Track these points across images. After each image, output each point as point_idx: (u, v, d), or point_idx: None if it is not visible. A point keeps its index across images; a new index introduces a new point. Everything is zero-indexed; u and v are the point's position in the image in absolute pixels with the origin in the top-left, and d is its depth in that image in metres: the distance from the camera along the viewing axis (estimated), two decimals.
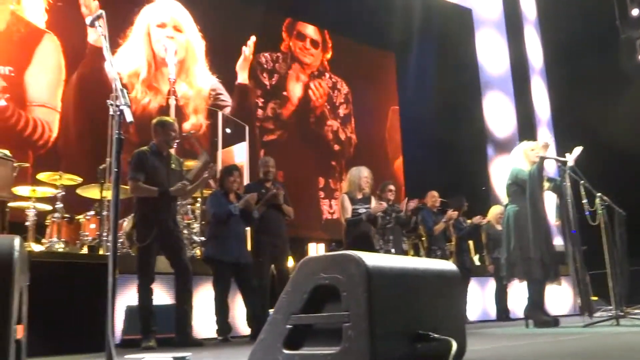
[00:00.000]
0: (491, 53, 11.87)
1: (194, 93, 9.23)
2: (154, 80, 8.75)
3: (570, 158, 5.14)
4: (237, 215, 5.14)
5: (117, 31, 8.46)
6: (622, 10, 11.80)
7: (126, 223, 5.89)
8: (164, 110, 8.48)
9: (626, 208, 5.56)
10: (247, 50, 10.00)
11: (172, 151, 4.98)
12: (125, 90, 2.31)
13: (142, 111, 8.47)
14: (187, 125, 8.79)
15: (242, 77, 9.98)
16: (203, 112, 9.21)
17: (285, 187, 5.72)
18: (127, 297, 4.93)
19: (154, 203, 4.57)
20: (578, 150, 5.19)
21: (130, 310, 4.79)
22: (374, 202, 5.74)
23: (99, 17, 2.49)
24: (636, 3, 11.66)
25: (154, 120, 4.94)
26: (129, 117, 2.28)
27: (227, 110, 9.27)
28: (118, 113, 2.30)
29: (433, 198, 7.33)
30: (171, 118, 5.11)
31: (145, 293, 4.48)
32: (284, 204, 5.56)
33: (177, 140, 4.88)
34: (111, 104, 2.32)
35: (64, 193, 6.25)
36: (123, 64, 8.45)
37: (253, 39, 10.06)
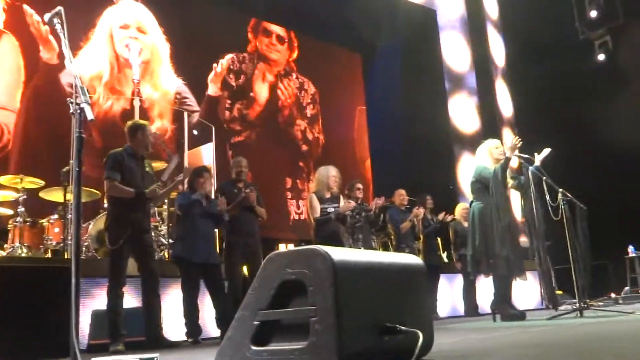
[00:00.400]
0: (456, 53, 12.03)
1: (159, 96, 9.10)
2: (117, 84, 8.60)
3: (538, 158, 5.23)
4: (202, 204, 5.11)
5: (79, 33, 8.29)
6: (581, 12, 12.12)
7: (91, 226, 5.79)
8: (127, 112, 8.35)
9: (588, 204, 5.68)
10: (220, 66, 9.95)
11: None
12: (85, 88, 2.27)
13: (104, 115, 8.32)
14: (152, 128, 8.67)
15: (213, 89, 9.94)
16: (168, 116, 9.10)
17: (257, 188, 5.69)
18: (93, 302, 4.84)
19: (128, 204, 4.53)
20: (546, 151, 5.29)
21: (96, 315, 4.70)
22: (342, 202, 5.75)
23: (57, 14, 2.43)
24: (594, 5, 11.98)
25: (129, 123, 4.91)
26: (89, 115, 2.23)
27: (196, 117, 9.15)
28: (78, 111, 2.26)
29: (401, 197, 7.40)
30: (145, 122, 5.06)
31: (115, 296, 4.41)
32: (257, 206, 5.54)
33: (150, 144, 4.83)
34: (71, 102, 2.27)
35: (25, 197, 6.09)
36: (85, 67, 8.26)
37: (229, 56, 10.08)
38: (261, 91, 10.79)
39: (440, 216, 7.61)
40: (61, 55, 7.60)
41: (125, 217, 4.52)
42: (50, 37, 7.79)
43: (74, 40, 7.95)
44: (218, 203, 5.24)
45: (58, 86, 7.79)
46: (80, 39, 8.36)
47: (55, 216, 5.98)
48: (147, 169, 4.80)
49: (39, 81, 7.76)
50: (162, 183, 4.71)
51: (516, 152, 5.28)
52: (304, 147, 11.23)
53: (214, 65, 9.93)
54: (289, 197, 10.70)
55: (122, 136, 4.85)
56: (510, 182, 5.51)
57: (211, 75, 9.89)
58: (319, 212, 5.61)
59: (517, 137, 5.29)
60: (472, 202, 5.47)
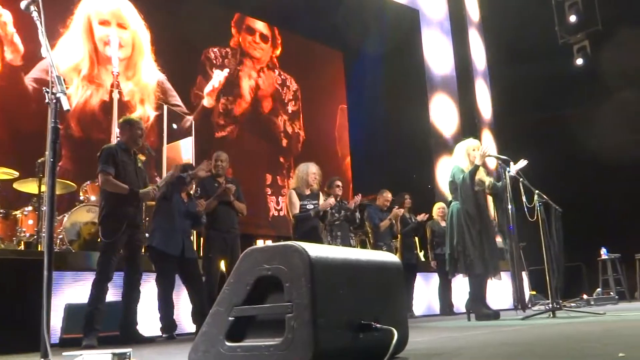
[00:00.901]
0: (437, 54, 12.10)
1: (140, 88, 9.01)
2: (97, 77, 8.48)
3: (514, 168, 5.27)
4: (184, 182, 5.11)
5: (57, 20, 8.15)
6: (561, 17, 12.27)
7: (66, 219, 5.70)
8: (107, 104, 8.25)
9: (563, 207, 5.76)
10: (217, 82, 9.93)
11: None
12: (61, 78, 2.22)
13: (83, 105, 8.20)
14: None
15: (209, 102, 9.92)
16: (152, 104, 9.01)
17: (238, 184, 5.65)
18: (67, 295, 4.77)
19: (122, 199, 4.53)
20: (523, 163, 5.32)
21: (70, 308, 4.64)
22: (322, 199, 5.75)
23: (33, 1, 2.38)
24: (574, 10, 12.14)
25: (121, 120, 4.94)
26: (65, 105, 2.19)
27: (188, 122, 9.04)
28: (54, 101, 2.21)
29: (386, 200, 7.42)
30: (138, 117, 5.06)
31: (100, 291, 4.38)
32: (236, 201, 5.50)
33: (141, 139, 4.80)
34: (47, 92, 2.23)
35: None
36: (63, 57, 8.13)
37: (226, 71, 10.12)
38: (245, 86, 10.74)
39: (420, 217, 7.66)
40: (25, 57, 7.50)
41: (120, 212, 4.52)
42: (16, 39, 7.61)
43: (53, 27, 7.86)
44: (197, 204, 5.21)
45: (22, 86, 7.62)
46: (59, 26, 8.22)
47: (30, 208, 5.88)
48: (140, 165, 4.81)
49: (1, 82, 7.58)
50: (157, 187, 4.70)
51: (494, 153, 5.31)
52: (285, 142, 11.21)
53: (212, 81, 9.92)
54: (269, 193, 10.67)
55: (101, 128, 4.83)
56: (488, 181, 5.54)
57: (207, 89, 9.89)
58: (298, 209, 5.61)
59: (486, 146, 5.30)
60: (450, 201, 5.50)
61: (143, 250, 5.62)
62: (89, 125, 8.02)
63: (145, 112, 8.93)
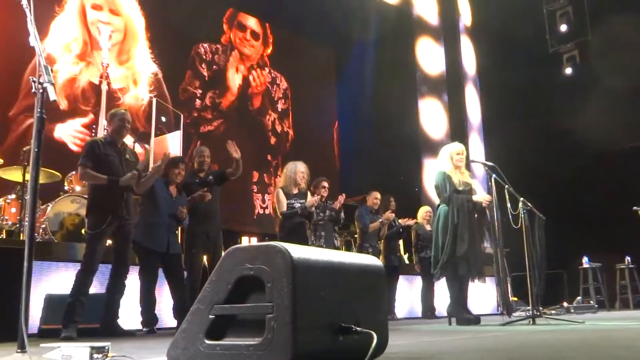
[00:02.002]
0: (429, 58, 12.15)
1: (134, 74, 8.95)
2: (89, 55, 8.45)
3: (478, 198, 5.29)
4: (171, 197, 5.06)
5: (54, 0, 8.13)
6: (552, 26, 12.38)
7: (50, 209, 5.66)
8: (95, 87, 8.23)
9: (547, 214, 5.80)
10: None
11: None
12: (49, 68, 2.20)
13: (73, 79, 8.17)
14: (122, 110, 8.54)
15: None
16: (146, 87, 8.95)
17: (220, 173, 5.58)
18: (47, 285, 4.74)
19: (108, 191, 4.51)
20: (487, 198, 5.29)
21: (51, 299, 4.60)
22: (309, 198, 5.74)
23: None
24: (565, 19, 12.25)
25: (110, 112, 4.90)
26: (52, 96, 2.17)
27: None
28: (41, 91, 2.19)
29: (375, 199, 7.44)
30: (123, 108, 5.02)
31: (83, 282, 4.35)
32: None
33: (127, 131, 4.76)
34: (34, 81, 2.21)
35: None
36: (58, 36, 8.14)
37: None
38: (234, 81, 10.71)
39: (403, 221, 7.66)
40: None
41: (105, 204, 4.51)
42: None
43: (50, 6, 7.85)
44: (181, 210, 5.16)
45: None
46: (56, 5, 8.21)
47: (13, 196, 5.83)
48: (128, 157, 4.76)
49: None
50: (137, 172, 4.62)
51: (480, 159, 5.35)
52: (273, 140, 11.19)
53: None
54: (255, 190, 10.66)
55: (88, 104, 4.79)
56: (473, 184, 5.55)
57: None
58: (285, 207, 5.60)
59: (490, 197, 5.28)
60: (438, 204, 5.51)
61: None
62: (76, 99, 8.05)
63: (138, 94, 8.88)
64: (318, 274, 1.94)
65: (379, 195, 7.46)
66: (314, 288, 1.90)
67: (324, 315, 1.92)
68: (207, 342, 1.93)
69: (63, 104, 7.93)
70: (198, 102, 10.02)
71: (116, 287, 4.59)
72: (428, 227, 7.82)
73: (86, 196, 5.13)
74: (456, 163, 5.38)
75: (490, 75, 12.35)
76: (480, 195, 5.40)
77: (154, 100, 7.90)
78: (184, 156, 5.47)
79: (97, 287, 4.79)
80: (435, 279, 5.70)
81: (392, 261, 7.45)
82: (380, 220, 7.18)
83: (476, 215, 5.33)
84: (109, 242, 4.78)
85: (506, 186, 5.25)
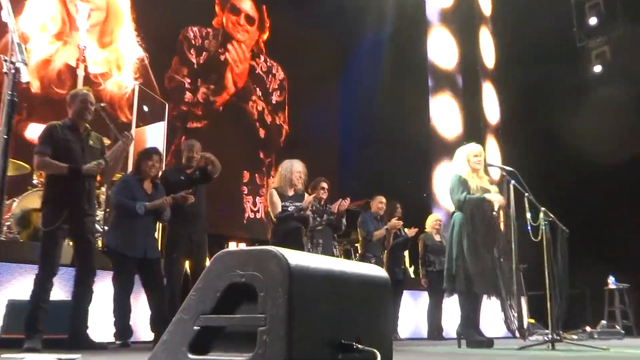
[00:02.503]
0: (443, 50, 12.17)
1: (118, 58, 8.94)
2: (67, 35, 8.43)
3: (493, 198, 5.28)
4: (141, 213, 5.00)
5: None
6: (580, 18, 12.39)
7: (15, 205, 5.64)
8: (71, 69, 8.22)
9: (570, 227, 5.80)
10: None
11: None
12: (22, 46, 2.20)
13: (48, 60, 8.16)
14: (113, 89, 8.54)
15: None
16: (131, 73, 8.94)
17: (205, 170, 5.56)
18: (11, 290, 4.72)
19: (67, 182, 4.42)
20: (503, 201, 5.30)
21: (13, 305, 4.57)
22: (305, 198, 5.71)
23: None
24: (594, 11, 12.25)
25: (70, 92, 4.81)
26: (25, 77, 2.17)
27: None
28: (12, 71, 2.19)
29: (380, 204, 7.40)
30: (85, 88, 4.92)
31: (42, 287, 4.28)
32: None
33: (90, 114, 4.68)
34: (5, 60, 2.20)
35: None
36: (34, 15, 8.15)
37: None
38: (224, 71, 10.70)
39: (410, 232, 7.64)
40: None
41: (62, 196, 4.42)
42: None
43: None
44: (162, 204, 5.11)
45: None
46: None
47: None
48: (92, 142, 4.66)
49: None
50: (104, 162, 4.56)
51: (498, 163, 5.35)
52: (264, 135, 11.16)
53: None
54: (245, 192, 10.65)
55: (63, 87, 4.76)
56: (492, 190, 5.54)
57: None
58: (279, 209, 5.57)
59: (504, 199, 5.28)
60: (453, 212, 5.50)
61: (100, 246, 5.58)
62: (51, 82, 8.05)
63: (122, 80, 8.85)
64: (317, 284, 1.94)
65: (384, 200, 7.44)
66: (312, 299, 1.90)
67: (322, 330, 1.92)
68: (191, 356, 1.93)
69: (35, 86, 7.92)
70: (188, 94, 9.99)
71: (82, 294, 4.50)
72: (437, 238, 7.81)
73: None
74: (473, 166, 5.37)
75: (511, 70, 12.35)
76: (495, 196, 5.35)
77: (136, 86, 7.88)
78: (167, 151, 5.42)
79: (65, 293, 4.77)
80: (446, 295, 5.68)
81: (396, 274, 7.42)
82: (386, 227, 7.15)
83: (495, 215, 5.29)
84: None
85: (526, 194, 5.24)
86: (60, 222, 4.35)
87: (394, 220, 7.22)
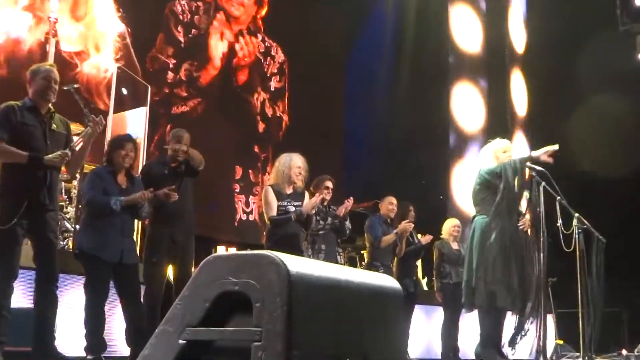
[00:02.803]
0: (465, 31, 12.15)
1: (94, 35, 8.91)
2: (39, 9, 8.38)
3: (540, 152, 5.21)
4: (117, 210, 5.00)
5: None
6: None
7: None
8: (42, 47, 8.20)
9: (606, 236, 5.80)
10: None
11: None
12: None
13: (15, 41, 8.09)
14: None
15: None
16: (112, 53, 8.92)
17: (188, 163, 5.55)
18: None
19: (24, 171, 4.39)
20: (553, 148, 5.23)
21: None
22: (307, 200, 5.71)
23: None
24: None
25: (30, 68, 4.74)
26: None
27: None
28: None
29: (390, 205, 7.38)
30: (49, 63, 4.89)
31: (2, 293, 4.28)
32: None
33: (54, 93, 4.65)
34: None
35: None
36: None
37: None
38: (217, 51, 10.69)
39: (424, 239, 7.61)
40: None
41: (20, 188, 4.40)
42: None
43: None
44: (137, 198, 5.09)
45: None
46: None
47: None
48: (56, 127, 4.62)
49: None
50: (70, 151, 4.54)
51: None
52: (262, 127, 11.17)
53: None
54: (237, 190, 10.65)
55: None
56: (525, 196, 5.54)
57: None
58: (275, 210, 5.57)
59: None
60: (474, 216, 5.50)
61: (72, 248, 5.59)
62: (20, 63, 7.97)
63: (100, 62, 8.81)
64: (320, 294, 1.95)
65: (394, 201, 7.43)
66: (314, 311, 1.91)
67: (325, 346, 1.93)
68: None
69: (1, 70, 7.89)
70: (171, 74, 9.98)
71: (44, 300, 4.47)
72: (455, 246, 7.81)
73: None
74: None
75: (543, 56, 12.35)
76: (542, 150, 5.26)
77: (115, 66, 7.88)
78: (149, 141, 5.40)
79: (28, 299, 4.77)
80: (465, 310, 5.68)
81: (406, 286, 7.39)
82: (395, 231, 7.13)
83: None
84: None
85: (558, 198, 5.25)
86: (18, 218, 4.33)
87: (403, 224, 7.16)
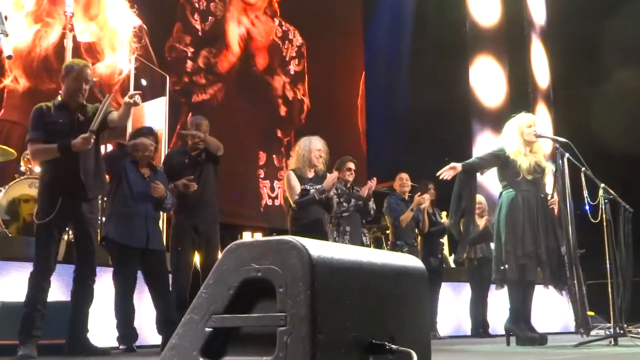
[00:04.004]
0: (484, 4, 12.01)
1: (108, 33, 8.92)
2: (47, 14, 8.39)
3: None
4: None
5: None
6: None
7: (2, 195, 5.72)
8: (60, 49, 8.21)
9: (633, 205, 5.73)
10: None
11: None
12: (3, 15, 2.22)
13: (29, 50, 8.12)
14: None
15: None
16: (126, 53, 8.93)
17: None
18: (1, 291, 4.80)
19: (58, 165, 4.43)
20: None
21: (4, 308, 4.65)
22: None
23: None
24: None
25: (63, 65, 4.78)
26: (6, 51, 2.19)
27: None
28: None
29: (401, 181, 7.38)
30: (82, 61, 4.89)
31: (38, 286, 4.32)
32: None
33: (83, 95, 4.64)
34: None
35: None
36: None
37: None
38: (234, 37, 10.67)
39: (447, 223, 7.59)
40: None
41: (56, 184, 4.44)
42: None
43: None
44: (153, 187, 5.10)
45: None
46: None
47: None
48: (81, 117, 4.54)
49: None
50: (91, 132, 4.50)
51: (550, 134, 5.29)
52: (284, 111, 11.17)
53: None
54: (262, 176, 10.68)
55: (53, 77, 4.75)
56: (548, 168, 5.49)
57: None
58: (298, 194, 5.58)
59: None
60: (501, 192, 5.47)
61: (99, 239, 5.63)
62: (38, 73, 8.00)
63: (116, 62, 8.84)
64: (343, 277, 1.95)
65: (404, 176, 7.39)
66: (337, 294, 1.91)
67: (350, 328, 1.93)
68: None
69: (21, 83, 7.89)
70: (189, 63, 9.99)
71: (81, 293, 4.54)
72: (479, 222, 7.77)
73: None
74: (528, 138, 5.29)
75: (565, 27, 12.16)
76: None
77: (133, 58, 7.89)
78: (171, 132, 5.40)
79: (62, 293, 4.83)
80: (496, 286, 5.65)
81: (431, 263, 7.38)
82: (411, 207, 7.09)
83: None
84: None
85: (583, 169, 5.19)
86: (55, 213, 4.37)
87: (417, 197, 7.10)
